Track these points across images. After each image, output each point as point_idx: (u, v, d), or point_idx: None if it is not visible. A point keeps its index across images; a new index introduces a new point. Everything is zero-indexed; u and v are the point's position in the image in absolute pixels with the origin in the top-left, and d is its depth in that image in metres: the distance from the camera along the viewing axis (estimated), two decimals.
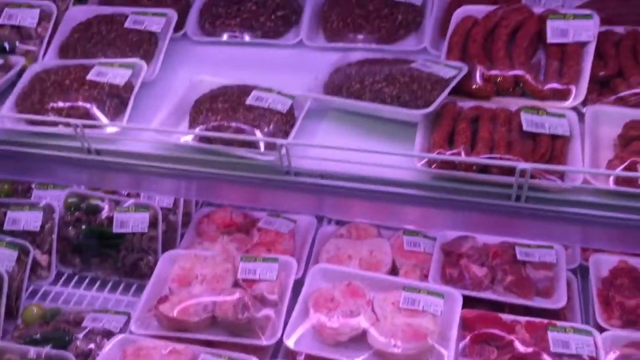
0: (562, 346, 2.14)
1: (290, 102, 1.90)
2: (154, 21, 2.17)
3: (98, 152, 1.89)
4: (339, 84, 1.91)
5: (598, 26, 1.81)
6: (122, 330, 2.46)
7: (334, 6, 2.19)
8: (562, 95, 1.78)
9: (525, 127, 1.69)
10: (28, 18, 2.18)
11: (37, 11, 2.19)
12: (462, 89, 1.84)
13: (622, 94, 1.75)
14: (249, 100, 1.88)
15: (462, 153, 1.63)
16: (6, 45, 2.16)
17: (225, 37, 2.24)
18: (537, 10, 1.89)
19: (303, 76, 2.02)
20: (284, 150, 1.72)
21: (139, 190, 2.84)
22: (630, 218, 1.53)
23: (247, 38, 2.23)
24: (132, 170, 1.87)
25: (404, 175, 1.68)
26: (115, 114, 1.94)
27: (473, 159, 1.58)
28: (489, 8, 1.94)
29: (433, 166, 1.64)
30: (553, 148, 1.65)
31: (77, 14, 2.24)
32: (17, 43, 2.17)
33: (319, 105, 1.94)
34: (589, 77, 1.77)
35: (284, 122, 1.84)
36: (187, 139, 1.82)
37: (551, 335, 2.18)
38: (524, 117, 1.71)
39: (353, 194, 1.72)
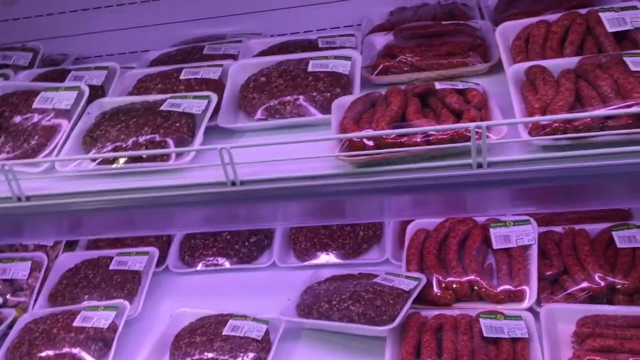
0: None
1: (265, 327, 2.00)
2: (137, 260, 2.34)
3: None
4: (310, 304, 2.03)
5: (537, 230, 1.99)
6: None
7: (301, 228, 2.39)
8: (516, 297, 1.90)
9: (485, 334, 1.78)
10: (20, 271, 2.35)
11: (28, 263, 2.37)
12: (424, 298, 1.97)
13: (570, 290, 1.87)
14: (226, 331, 1.98)
15: None
16: None
17: (203, 266, 2.40)
18: (480, 219, 2.08)
19: (278, 296, 2.15)
20: None
21: None
22: None
23: (224, 265, 2.39)
24: None
25: None
26: (100, 356, 2.02)
27: None
28: (438, 221, 2.13)
29: None
30: (514, 352, 1.73)
31: (66, 261, 2.42)
32: (9, 296, 2.31)
33: (292, 325, 2.04)
34: (538, 276, 1.90)
35: (260, 349, 1.93)
36: None
37: None
38: (483, 322, 1.81)
39: None
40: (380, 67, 1.91)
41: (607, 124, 1.37)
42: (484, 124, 1.42)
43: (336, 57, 1.93)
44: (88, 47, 2.68)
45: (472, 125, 1.42)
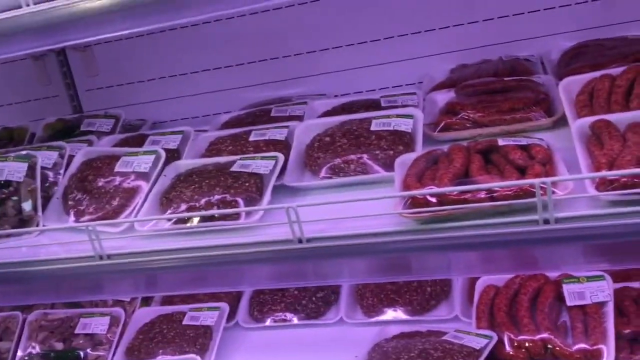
0: None
1: None
2: (208, 315, 2.41)
3: None
4: None
5: (612, 286, 1.92)
6: None
7: (367, 284, 2.40)
8: (593, 356, 1.82)
9: None
10: (99, 326, 2.46)
11: (107, 319, 2.48)
12: (496, 357, 1.92)
13: None
14: None
15: None
16: (80, 354, 2.41)
17: (272, 321, 2.43)
18: (553, 275, 2.03)
19: (345, 353, 2.15)
20: None
21: None
22: None
23: (292, 320, 2.42)
24: None
25: None
26: None
27: None
28: (508, 276, 2.09)
29: None
30: None
31: (142, 316, 2.52)
32: (90, 350, 2.42)
33: None
34: (615, 335, 1.83)
35: None
36: None
37: None
38: None
39: None
40: (442, 124, 1.94)
41: None
42: (549, 179, 1.42)
43: (398, 116, 1.98)
44: (164, 112, 2.86)
45: (536, 181, 1.42)
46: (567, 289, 1.96)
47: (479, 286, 2.12)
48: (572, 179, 1.46)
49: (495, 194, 1.48)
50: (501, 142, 1.63)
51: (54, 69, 2.89)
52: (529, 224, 1.47)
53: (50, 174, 2.19)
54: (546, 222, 1.44)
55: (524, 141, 1.64)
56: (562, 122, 1.80)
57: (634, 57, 1.89)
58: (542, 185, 1.41)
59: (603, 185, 1.41)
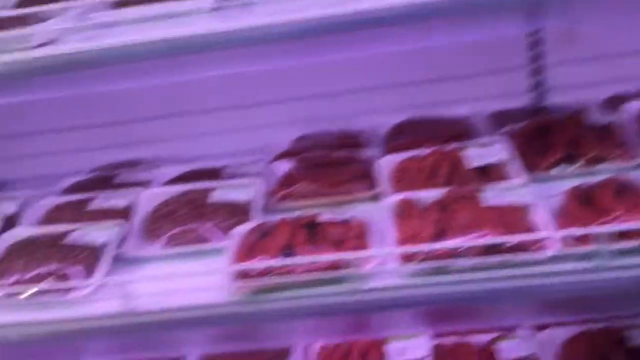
0: None
1: None
2: None
3: None
4: None
5: (430, 343, 2.12)
6: None
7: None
8: None
9: None
10: None
11: None
12: None
13: None
14: None
15: None
16: None
17: None
18: (372, 337, 2.19)
19: None
20: None
21: None
22: None
23: None
24: None
25: None
26: None
27: None
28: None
29: None
30: None
31: None
32: None
33: None
34: None
35: None
36: None
37: None
38: None
39: None
40: (280, 194, 2.08)
41: (462, 253, 1.55)
42: (359, 254, 1.58)
43: (238, 186, 2.10)
44: (8, 171, 2.75)
45: (349, 255, 1.58)
46: (391, 347, 2.13)
47: (315, 348, 2.24)
48: (375, 255, 1.63)
49: (313, 266, 1.62)
50: (321, 218, 1.78)
51: None
52: (345, 294, 1.61)
53: None
54: (358, 292, 1.60)
55: (345, 215, 1.81)
56: (382, 195, 2.00)
57: (444, 138, 2.15)
58: (352, 259, 1.57)
59: (406, 258, 1.59)
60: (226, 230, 1.92)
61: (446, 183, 1.83)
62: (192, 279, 1.70)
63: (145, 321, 1.68)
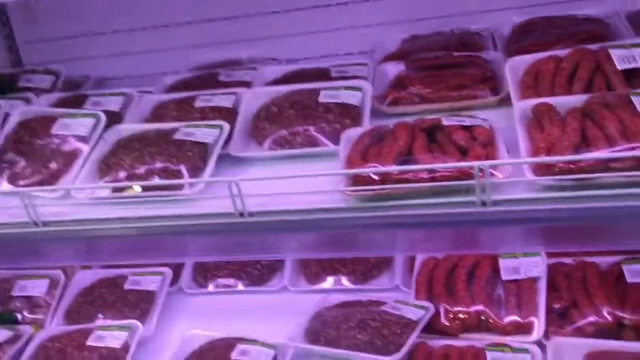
0: None
1: (273, 352, 2.03)
2: (151, 280, 2.39)
3: None
4: (318, 330, 2.05)
5: (546, 262, 1.98)
6: None
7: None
8: (524, 329, 1.90)
9: None
10: (37, 288, 2.41)
11: (46, 281, 2.43)
12: (432, 328, 1.97)
13: (579, 324, 1.86)
14: (235, 355, 2.02)
15: None
16: (18, 316, 2.36)
17: (215, 287, 2.43)
18: (485, 252, 2.08)
19: (288, 319, 2.18)
20: None
21: None
22: None
23: (235, 287, 2.42)
24: None
25: None
26: None
27: None
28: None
29: None
30: None
31: (83, 279, 2.48)
32: (27, 313, 2.38)
33: (300, 351, 2.06)
34: (546, 309, 1.90)
35: None
36: None
37: None
38: (490, 355, 1.82)
39: None
40: (391, 97, 1.93)
41: (611, 166, 1.37)
42: (487, 163, 1.43)
43: (347, 88, 1.96)
44: (108, 69, 2.74)
45: (476, 164, 1.43)
46: (503, 263, 2.01)
47: (420, 258, 2.16)
48: (509, 163, 1.48)
49: (436, 175, 1.49)
50: (445, 121, 1.63)
51: None
52: (467, 205, 1.49)
53: None
54: (483, 204, 1.46)
55: (467, 121, 1.65)
56: (507, 101, 1.81)
57: (580, 38, 1.90)
58: (481, 167, 1.42)
59: (541, 170, 1.43)
60: (335, 133, 1.82)
61: (588, 87, 1.61)
62: (303, 182, 1.62)
63: (254, 222, 1.63)
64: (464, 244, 1.66)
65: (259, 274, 2.42)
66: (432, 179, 1.49)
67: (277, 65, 2.35)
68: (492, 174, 1.44)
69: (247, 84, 2.20)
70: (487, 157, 1.52)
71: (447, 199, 1.51)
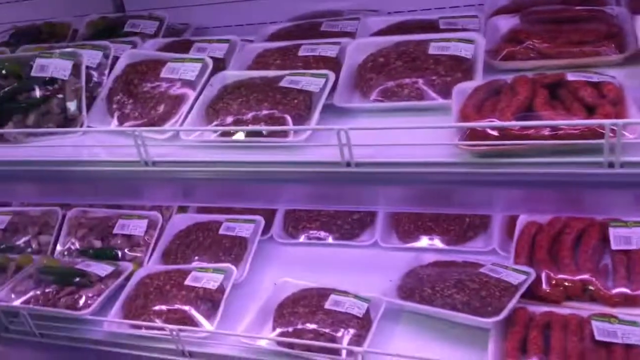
0: None
1: (366, 305, 2.03)
2: (244, 227, 2.43)
3: (191, 354, 2.07)
4: (412, 287, 2.03)
5: None
6: None
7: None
8: (634, 301, 1.81)
9: (597, 336, 1.71)
10: (137, 228, 2.51)
11: (145, 221, 2.52)
12: (532, 293, 1.92)
13: None
14: (328, 305, 2.03)
15: None
16: (118, 253, 2.47)
17: (306, 238, 2.45)
18: (603, 217, 1.98)
19: (379, 276, 2.17)
20: (360, 358, 1.83)
21: None
22: None
23: (326, 239, 2.43)
24: None
25: None
26: (208, 316, 2.13)
27: None
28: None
29: None
30: (627, 358, 1.66)
31: (179, 222, 2.55)
32: (127, 250, 2.48)
33: (393, 307, 2.06)
34: None
35: (361, 326, 1.96)
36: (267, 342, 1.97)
37: None
38: (596, 325, 1.74)
39: None
40: (505, 52, 1.84)
41: None
42: (620, 121, 1.34)
43: (458, 40, 1.88)
44: (207, 17, 2.76)
45: (607, 122, 1.35)
46: (614, 232, 1.92)
47: (521, 222, 2.09)
48: None
49: (560, 132, 1.41)
50: (570, 76, 1.54)
51: None
52: (592, 165, 1.41)
53: (95, 74, 2.15)
54: (611, 165, 1.38)
55: (594, 78, 1.55)
56: (634, 59, 1.69)
57: None
58: (612, 127, 1.34)
59: None
60: (446, 86, 1.75)
61: None
62: (411, 135, 1.58)
63: (361, 172, 1.61)
64: (582, 207, 1.58)
65: (349, 228, 2.42)
66: (556, 137, 1.42)
67: (380, 16, 2.29)
68: (622, 135, 1.35)
69: (350, 35, 2.16)
70: (617, 116, 1.42)
71: (569, 158, 1.43)
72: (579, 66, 1.73)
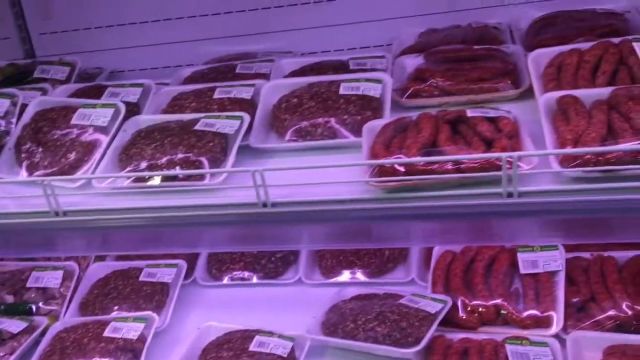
0: None
1: (291, 344, 2.03)
2: (165, 272, 2.39)
3: None
4: (335, 322, 2.05)
5: (564, 256, 1.98)
6: None
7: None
8: (543, 322, 1.90)
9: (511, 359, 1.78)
10: (52, 280, 2.41)
11: (60, 273, 2.42)
12: (449, 320, 1.98)
13: (597, 318, 1.87)
14: (252, 347, 2.01)
15: None
16: (32, 307, 2.36)
17: (230, 280, 2.43)
18: (508, 244, 2.08)
19: (303, 313, 2.18)
20: None
21: None
22: None
23: (250, 279, 2.42)
24: None
25: None
26: None
27: None
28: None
29: None
30: None
31: (97, 271, 2.48)
32: (42, 304, 2.37)
33: (318, 343, 2.06)
34: (565, 303, 1.90)
35: None
36: None
37: None
38: (509, 348, 1.82)
39: None
40: (411, 90, 1.93)
41: (638, 158, 1.37)
42: (515, 154, 1.43)
43: (367, 80, 1.95)
44: (122, 61, 2.74)
45: (503, 155, 1.43)
46: (522, 257, 2.02)
47: (436, 252, 2.16)
48: (538, 155, 1.48)
49: (462, 166, 1.49)
50: (469, 113, 1.63)
51: (4, 9, 2.73)
52: (493, 196, 1.49)
53: (2, 122, 2.07)
54: (510, 195, 1.47)
55: (491, 113, 1.65)
56: (528, 94, 1.81)
57: (600, 32, 1.91)
58: (508, 159, 1.42)
59: (567, 161, 1.43)
60: (356, 125, 1.82)
61: (612, 80, 1.61)
62: (324, 174, 1.62)
63: (278, 212, 1.63)
64: (487, 235, 1.66)
65: (273, 267, 2.42)
66: (459, 170, 1.49)
67: (294, 58, 2.35)
68: (518, 166, 1.44)
69: (264, 76, 2.20)
70: (513, 149, 1.52)
71: (472, 190, 1.51)
72: (479, 102, 1.84)
